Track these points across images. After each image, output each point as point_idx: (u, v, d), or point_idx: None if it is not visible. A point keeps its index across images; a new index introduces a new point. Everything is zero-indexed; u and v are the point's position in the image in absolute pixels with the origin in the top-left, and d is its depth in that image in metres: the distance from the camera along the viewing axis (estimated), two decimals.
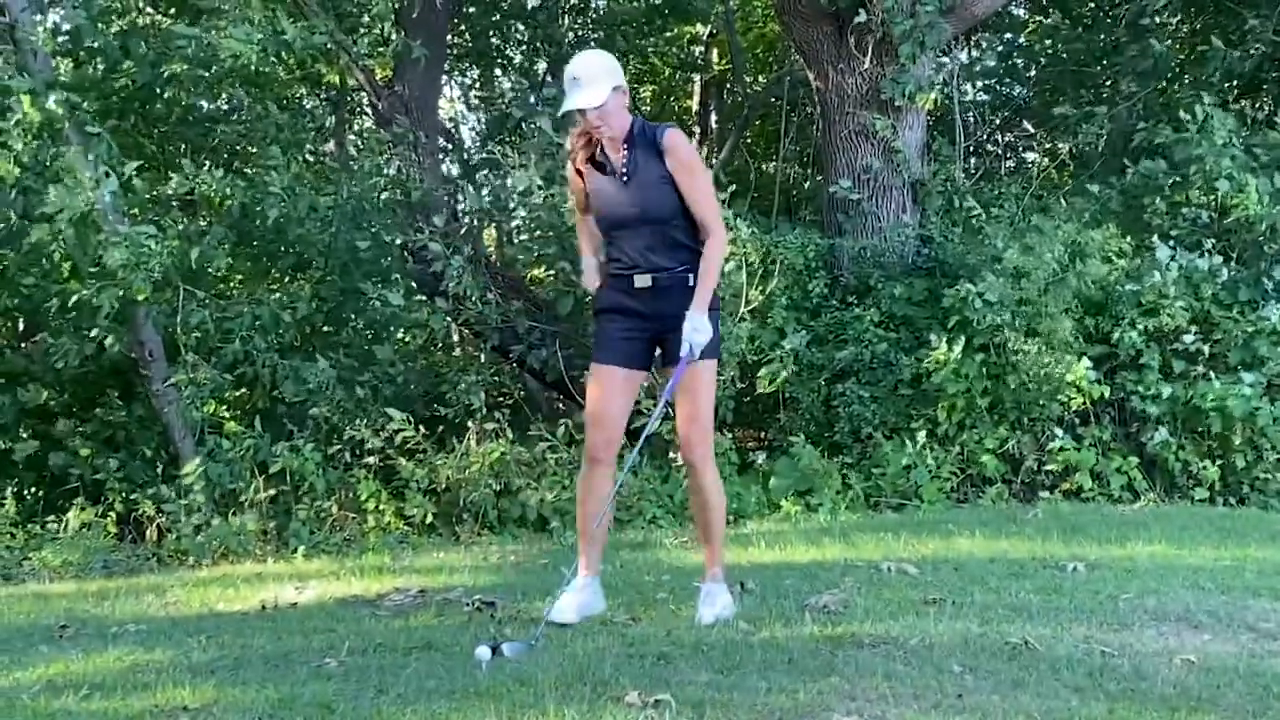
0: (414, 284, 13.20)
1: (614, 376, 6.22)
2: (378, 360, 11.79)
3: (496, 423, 10.98)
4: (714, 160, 12.50)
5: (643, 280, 6.10)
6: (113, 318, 10.33)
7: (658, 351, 6.30)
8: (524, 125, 16.94)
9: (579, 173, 6.27)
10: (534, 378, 14.55)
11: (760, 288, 11.48)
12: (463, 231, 13.34)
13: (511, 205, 13.07)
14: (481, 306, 12.05)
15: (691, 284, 6.03)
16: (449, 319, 12.89)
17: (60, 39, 11.02)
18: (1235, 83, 14.62)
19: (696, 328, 5.94)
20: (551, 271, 12.69)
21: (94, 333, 10.69)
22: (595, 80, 5.99)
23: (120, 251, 9.88)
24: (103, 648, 6.13)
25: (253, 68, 10.84)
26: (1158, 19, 14.28)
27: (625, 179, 6.08)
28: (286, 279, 12.66)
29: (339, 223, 11.72)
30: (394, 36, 13.13)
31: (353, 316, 12.47)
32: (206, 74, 11.03)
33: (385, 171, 13.06)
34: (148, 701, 5.01)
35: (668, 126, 6.13)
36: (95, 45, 10.99)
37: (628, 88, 6.19)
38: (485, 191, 14.24)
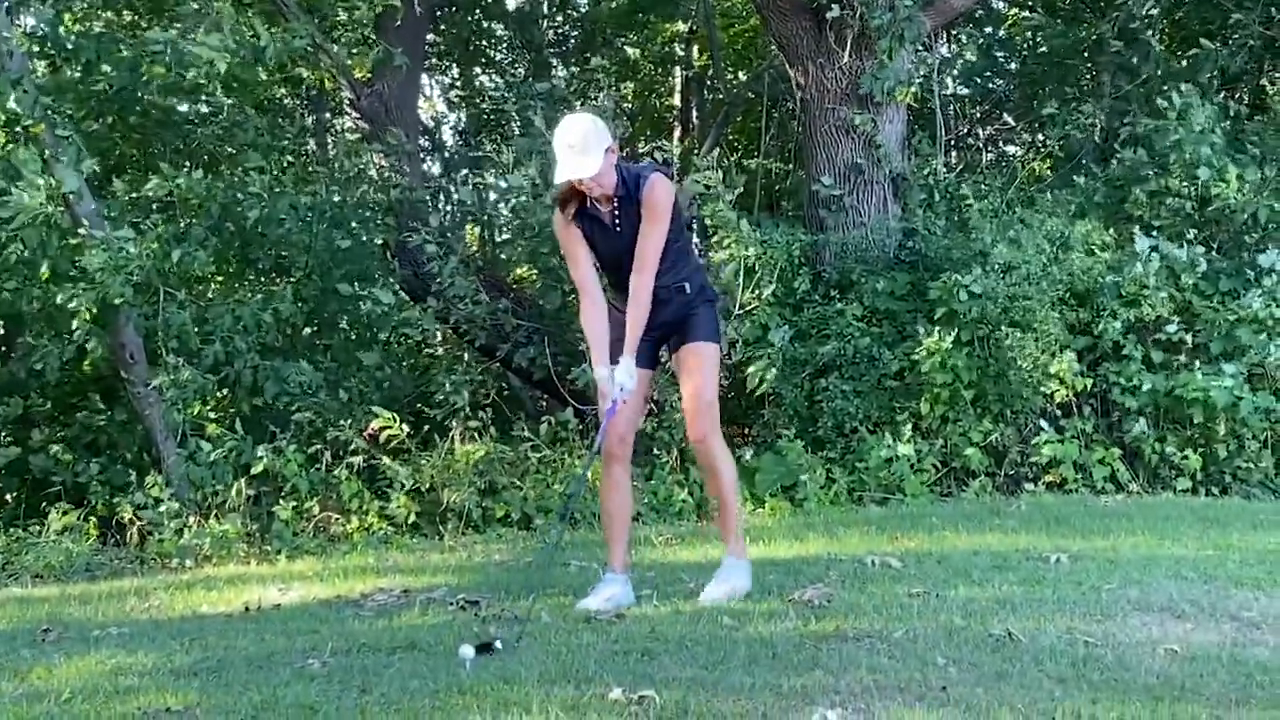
0: (400, 286, 13.18)
1: None
2: (365, 366, 11.77)
3: (480, 422, 10.97)
4: (696, 155, 12.47)
5: None
6: (92, 321, 10.28)
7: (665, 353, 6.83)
8: (506, 123, 16.97)
9: (571, 222, 6.55)
10: (518, 376, 14.54)
11: (756, 291, 11.48)
12: (446, 231, 13.32)
13: (497, 203, 13.09)
14: (473, 306, 12.03)
15: (687, 291, 6.53)
16: (440, 320, 12.84)
17: (37, 38, 10.98)
18: (1220, 76, 14.66)
19: (628, 371, 6.37)
20: (536, 270, 12.70)
21: (75, 336, 10.66)
22: (589, 148, 6.28)
23: (98, 256, 9.84)
24: (85, 651, 6.11)
25: (226, 74, 10.79)
26: (1146, 15, 14.32)
27: (618, 228, 6.45)
28: (265, 280, 12.62)
29: (318, 223, 11.70)
30: (375, 42, 13.08)
31: (340, 319, 12.45)
32: (184, 78, 10.97)
33: (366, 172, 13.03)
34: (130, 705, 4.99)
35: (650, 174, 6.45)
36: (69, 47, 10.94)
37: (616, 145, 6.49)
38: (468, 190, 14.23)
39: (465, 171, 15.95)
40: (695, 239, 12.34)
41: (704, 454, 6.66)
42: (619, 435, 6.55)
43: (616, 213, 6.42)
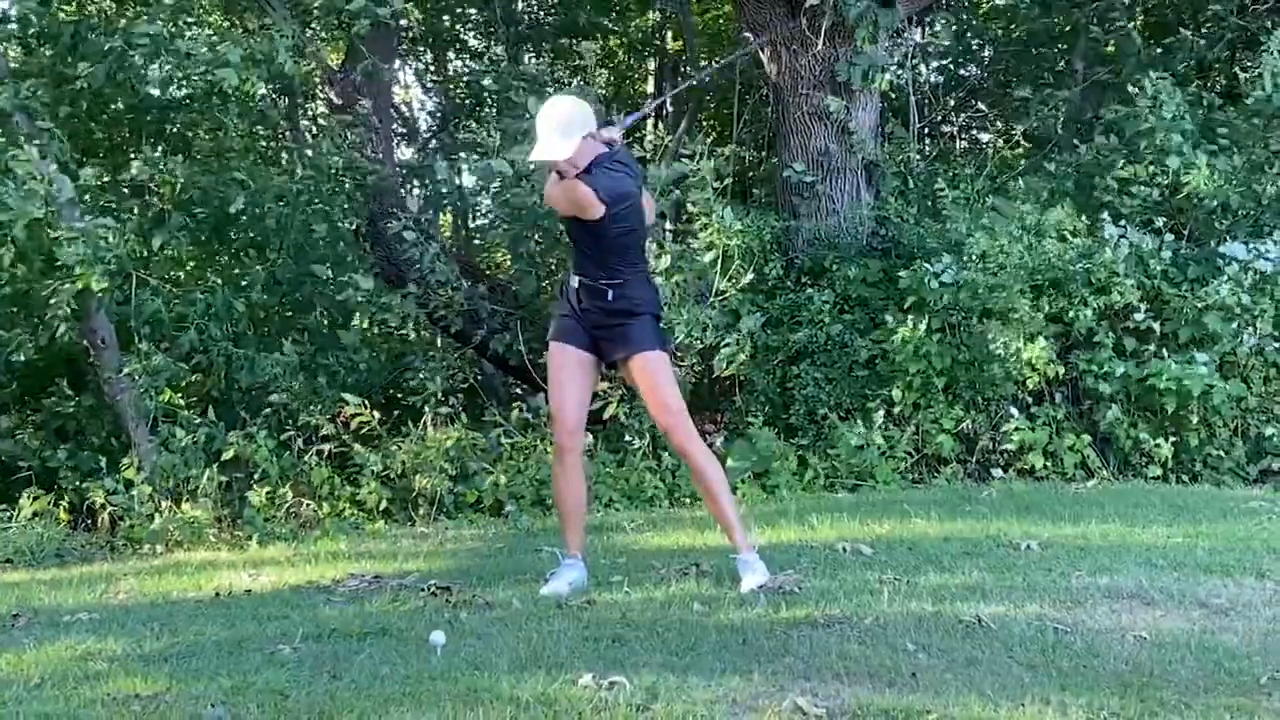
0: (370, 267, 13.14)
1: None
2: (342, 346, 11.73)
3: (452, 408, 10.96)
4: (669, 141, 12.48)
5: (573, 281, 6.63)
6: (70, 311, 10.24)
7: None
8: (481, 108, 16.90)
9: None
10: (493, 363, 14.52)
11: (733, 280, 11.50)
12: (424, 211, 13.27)
13: (475, 189, 13.08)
14: (451, 293, 12.01)
15: (627, 296, 6.52)
16: (420, 306, 12.79)
17: (10, 26, 10.92)
18: (1194, 65, 14.72)
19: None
20: (510, 257, 12.69)
21: (47, 322, 10.61)
22: (568, 131, 6.30)
23: (77, 247, 9.78)
24: (55, 637, 6.09)
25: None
26: (1124, 5, 14.39)
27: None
28: (238, 264, 12.59)
29: (295, 207, 11.66)
30: (361, 49, 13.00)
31: (313, 303, 12.43)
32: (179, 73, 10.90)
33: (340, 157, 12.97)
34: (100, 690, 4.98)
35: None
36: (43, 32, 10.87)
37: (595, 128, 6.47)
38: (444, 166, 14.19)
39: (440, 160, 15.87)
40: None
41: (687, 459, 6.67)
42: (569, 429, 6.58)
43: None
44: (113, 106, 12.02)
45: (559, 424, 6.62)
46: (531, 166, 11.43)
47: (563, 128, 6.26)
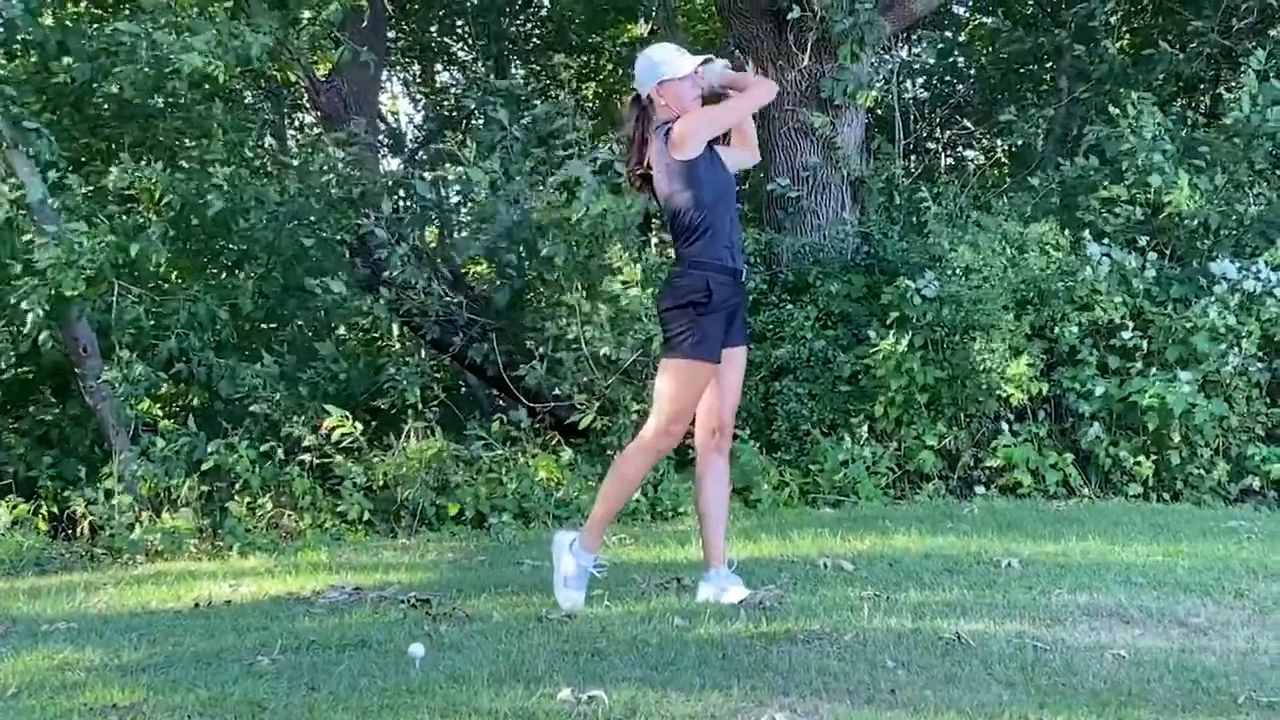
0: (359, 282, 13.10)
1: None
2: (320, 357, 11.71)
3: (431, 418, 10.94)
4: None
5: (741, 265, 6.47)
6: (47, 316, 10.20)
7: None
8: (467, 119, 16.89)
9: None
10: (473, 373, 14.49)
11: None
12: (406, 224, 13.21)
13: (456, 198, 13.04)
14: (424, 296, 11.98)
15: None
16: (392, 310, 12.74)
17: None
18: (1178, 84, 14.78)
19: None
20: (490, 266, 12.66)
21: (28, 329, 10.58)
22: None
23: (51, 251, 9.76)
24: (33, 646, 6.07)
25: (212, 74, 10.69)
26: (1105, 20, 14.46)
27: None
28: (225, 275, 12.56)
29: (284, 219, 11.65)
30: (338, 38, 12.97)
31: (296, 314, 12.40)
32: (151, 73, 10.86)
33: (328, 169, 12.95)
34: (77, 700, 4.96)
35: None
36: (31, 38, 10.85)
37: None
38: (426, 185, 14.18)
39: (419, 173, 15.87)
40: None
41: (726, 462, 6.61)
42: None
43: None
44: (106, 113, 12.01)
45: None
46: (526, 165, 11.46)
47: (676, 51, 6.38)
